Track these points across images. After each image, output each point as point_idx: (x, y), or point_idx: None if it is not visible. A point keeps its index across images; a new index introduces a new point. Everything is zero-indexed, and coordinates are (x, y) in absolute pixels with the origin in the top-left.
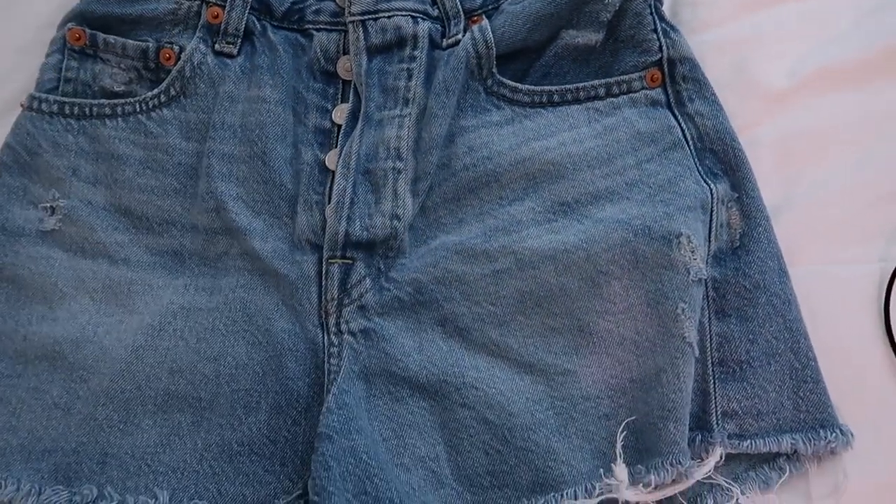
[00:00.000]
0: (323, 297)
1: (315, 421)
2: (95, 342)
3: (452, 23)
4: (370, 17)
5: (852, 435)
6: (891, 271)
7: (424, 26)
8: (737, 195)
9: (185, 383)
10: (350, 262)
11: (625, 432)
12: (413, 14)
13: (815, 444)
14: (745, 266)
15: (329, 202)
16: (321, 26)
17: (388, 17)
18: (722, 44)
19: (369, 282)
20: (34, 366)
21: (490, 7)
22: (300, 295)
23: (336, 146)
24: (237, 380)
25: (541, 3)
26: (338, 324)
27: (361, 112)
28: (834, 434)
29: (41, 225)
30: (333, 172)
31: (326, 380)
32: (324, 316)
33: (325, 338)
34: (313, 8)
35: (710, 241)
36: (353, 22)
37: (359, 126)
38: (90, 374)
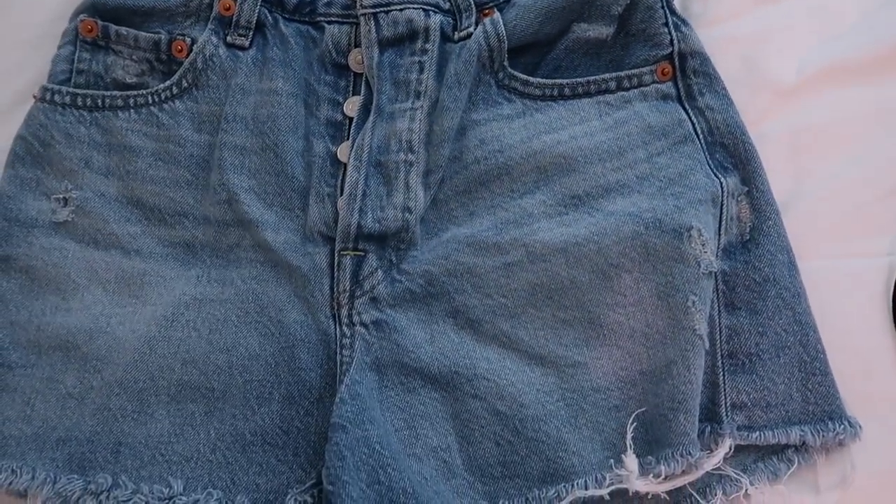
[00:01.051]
0: (335, 289)
1: (327, 411)
2: (109, 333)
3: (464, 16)
4: (382, 9)
5: (860, 427)
6: None
7: (436, 19)
8: (747, 189)
9: (198, 374)
10: (362, 254)
11: (635, 423)
12: (425, 7)
13: (823, 436)
14: (754, 259)
15: (341, 194)
16: (333, 19)
17: (400, 10)
18: (732, 38)
19: (381, 274)
20: (48, 356)
21: (501, 0)
22: (312, 287)
23: (348, 138)
24: (250, 370)
25: None
26: (350, 315)
27: (373, 105)
28: (842, 426)
29: (54, 216)
30: (345, 165)
31: (339, 371)
32: (336, 307)
33: (338, 329)
34: (325, 0)
35: (720, 235)
36: (364, 15)
37: (371, 119)
38: (104, 364)
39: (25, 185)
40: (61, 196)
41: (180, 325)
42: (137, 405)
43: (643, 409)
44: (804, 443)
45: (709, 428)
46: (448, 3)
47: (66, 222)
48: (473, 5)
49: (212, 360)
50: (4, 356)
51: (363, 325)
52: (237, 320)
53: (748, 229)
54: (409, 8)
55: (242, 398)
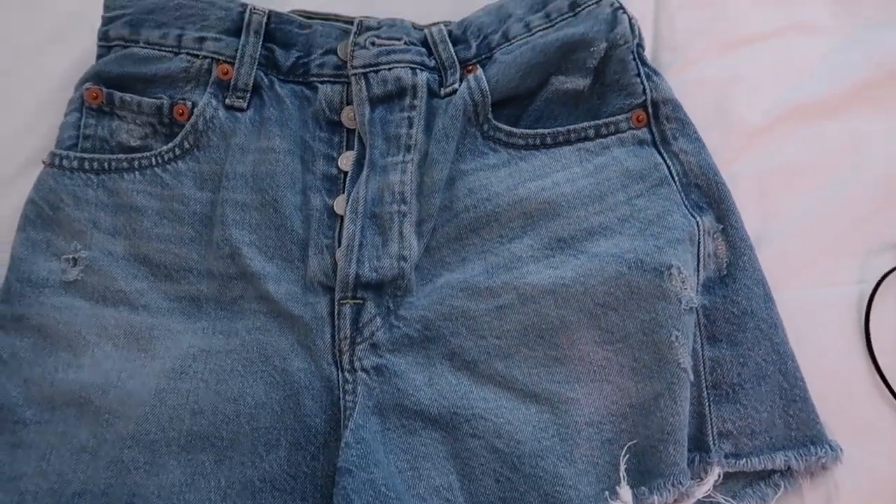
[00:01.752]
0: (336, 337)
1: (333, 456)
2: (120, 387)
3: (449, 73)
4: (371, 69)
5: (841, 449)
6: (869, 292)
7: (423, 77)
8: (722, 227)
9: (207, 424)
10: (361, 302)
11: (627, 456)
12: (412, 66)
13: (806, 460)
14: (732, 293)
15: (339, 245)
16: (325, 79)
17: (389, 70)
18: (701, 84)
19: (380, 320)
20: (62, 411)
21: (483, 56)
22: (314, 335)
23: (343, 192)
24: (257, 418)
25: (531, 52)
26: (351, 361)
27: (367, 159)
28: (824, 449)
29: (64, 276)
30: (342, 217)
31: (343, 416)
32: (337, 354)
33: (340, 375)
34: (317, 62)
35: (699, 271)
36: (355, 75)
37: (364, 172)
38: (116, 417)
39: (37, 247)
40: (71, 256)
41: (188, 376)
42: (149, 456)
43: (634, 441)
44: (789, 467)
45: (698, 457)
46: (433, 61)
47: (76, 281)
48: (457, 63)
49: (220, 410)
50: (19, 413)
51: (364, 370)
52: (243, 370)
53: (725, 265)
54: (396, 67)
55: (251, 446)
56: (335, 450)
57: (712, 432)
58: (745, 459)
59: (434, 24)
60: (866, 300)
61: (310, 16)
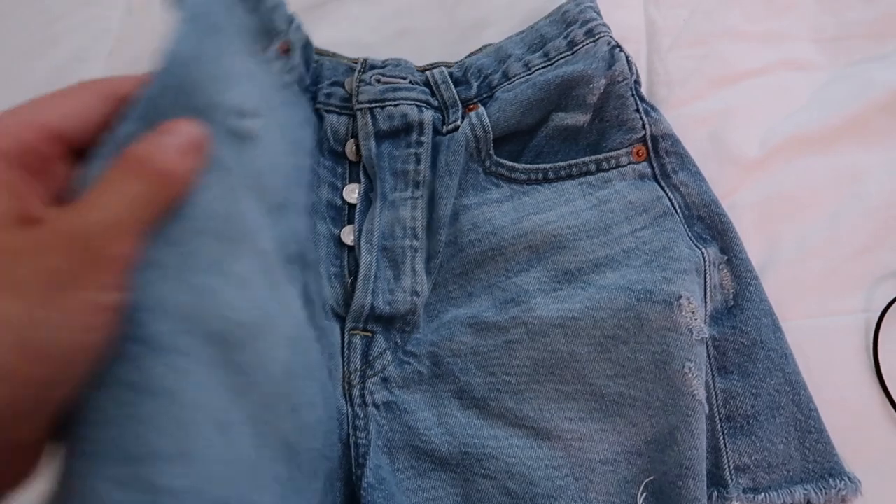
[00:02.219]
0: (346, 369)
1: (326, 491)
2: (267, 339)
3: (451, 111)
4: (377, 105)
5: (860, 482)
6: (875, 321)
7: (428, 114)
8: (726, 258)
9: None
10: (370, 334)
11: (645, 493)
12: (417, 103)
13: (826, 493)
14: (741, 324)
15: (349, 275)
16: (332, 109)
17: (395, 106)
18: (697, 118)
19: (390, 355)
20: (202, 347)
21: (484, 95)
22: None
23: (349, 223)
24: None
25: (531, 89)
26: (362, 395)
27: (378, 192)
28: (843, 482)
29: (240, 119)
30: (349, 247)
31: (354, 452)
32: (346, 387)
33: (349, 409)
34: (325, 91)
35: (706, 302)
36: (361, 109)
37: (377, 205)
38: (251, 387)
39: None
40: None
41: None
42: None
43: (652, 478)
44: (808, 501)
45: (716, 493)
46: (436, 100)
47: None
48: (459, 101)
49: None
50: (165, 338)
51: (375, 405)
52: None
53: (731, 296)
54: (403, 104)
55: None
56: (330, 485)
57: (729, 466)
58: (763, 494)
59: (434, 65)
60: (873, 329)
61: (317, 52)
